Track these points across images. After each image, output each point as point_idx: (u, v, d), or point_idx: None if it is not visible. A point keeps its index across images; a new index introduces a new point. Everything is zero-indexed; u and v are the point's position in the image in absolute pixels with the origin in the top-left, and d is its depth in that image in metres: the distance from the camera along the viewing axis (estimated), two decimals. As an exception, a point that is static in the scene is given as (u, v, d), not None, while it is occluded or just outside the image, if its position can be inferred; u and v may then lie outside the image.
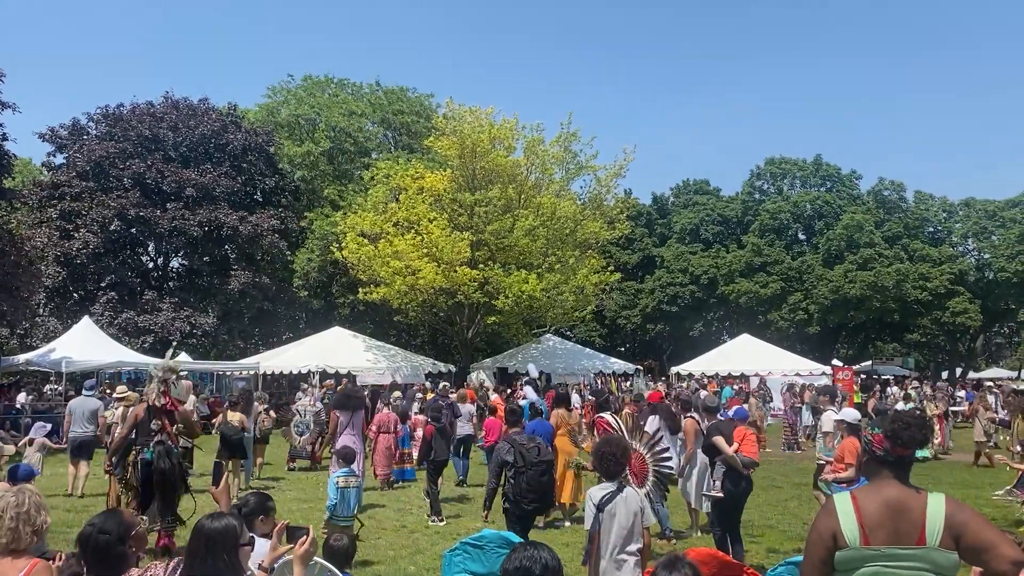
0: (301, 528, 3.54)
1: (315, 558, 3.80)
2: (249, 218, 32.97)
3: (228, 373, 28.74)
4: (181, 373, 9.38)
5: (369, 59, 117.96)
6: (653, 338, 52.38)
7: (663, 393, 16.79)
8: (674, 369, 31.69)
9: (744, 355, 29.56)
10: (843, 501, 3.00)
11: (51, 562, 3.40)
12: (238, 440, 12.43)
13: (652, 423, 10.16)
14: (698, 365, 30.51)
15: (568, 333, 41.40)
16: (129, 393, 12.38)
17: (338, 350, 27.23)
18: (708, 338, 47.62)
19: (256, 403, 14.84)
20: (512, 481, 7.25)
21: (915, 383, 28.53)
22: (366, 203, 30.17)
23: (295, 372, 26.30)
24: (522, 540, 3.48)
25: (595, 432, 9.79)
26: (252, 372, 26.62)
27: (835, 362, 31.11)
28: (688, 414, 10.43)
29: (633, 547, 4.96)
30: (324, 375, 24.77)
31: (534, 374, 24.07)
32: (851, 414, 9.20)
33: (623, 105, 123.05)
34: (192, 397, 14.93)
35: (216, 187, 33.01)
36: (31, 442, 13.17)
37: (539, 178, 30.21)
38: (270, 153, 37.03)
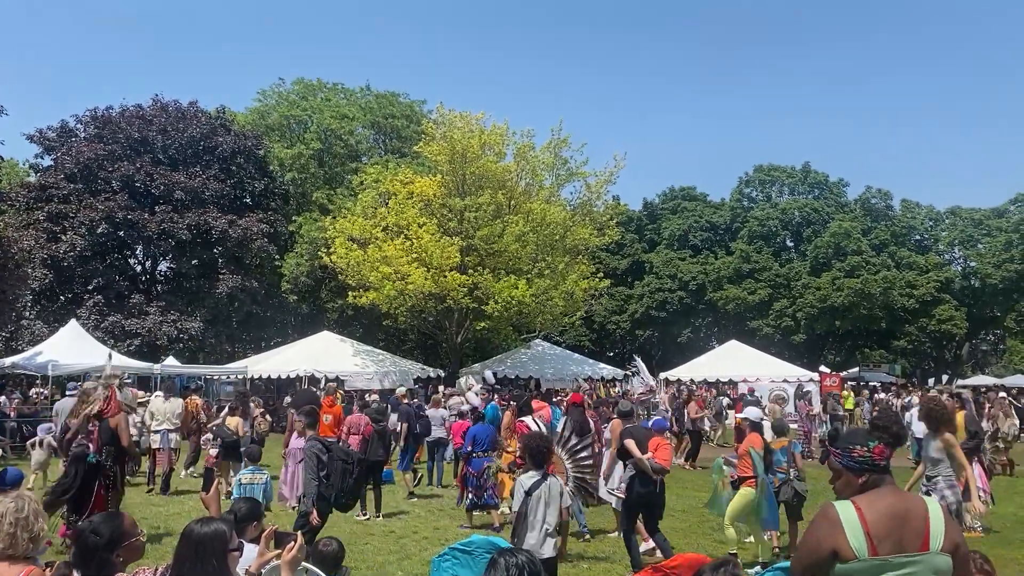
0: (289, 534, 3.54)
1: (303, 563, 3.80)
2: (238, 222, 32.88)
3: (216, 377, 28.65)
4: (126, 380, 9.48)
5: (361, 65, 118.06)
6: (642, 343, 52.54)
7: (582, 396, 16.90)
8: (663, 375, 31.74)
9: (732, 361, 29.63)
10: (847, 511, 2.89)
11: (45, 571, 3.38)
12: (234, 443, 12.65)
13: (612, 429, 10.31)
14: (687, 371, 30.55)
15: (557, 338, 41.42)
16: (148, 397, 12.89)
17: (327, 354, 27.14)
18: (696, 344, 47.82)
19: (252, 405, 14.99)
20: (328, 481, 7.37)
21: (930, 389, 28.45)
22: (355, 208, 30.12)
23: (283, 376, 26.22)
24: (508, 546, 3.49)
25: (516, 436, 10.14)
26: (240, 376, 26.53)
27: (823, 368, 31.18)
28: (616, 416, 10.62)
29: (554, 525, 6.01)
30: (313, 379, 24.70)
31: (491, 380, 24.31)
32: (754, 412, 9.45)
33: (614, 112, 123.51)
34: (178, 400, 15.06)
35: (205, 190, 32.90)
36: (41, 443, 13.39)
37: (529, 184, 30.23)
38: (260, 156, 36.95)
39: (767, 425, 10.78)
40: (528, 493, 5.97)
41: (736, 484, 8.77)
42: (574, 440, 8.51)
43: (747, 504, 8.64)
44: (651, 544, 9.20)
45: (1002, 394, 25.61)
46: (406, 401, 17.18)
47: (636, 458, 8.43)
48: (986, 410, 20.66)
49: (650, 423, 10.47)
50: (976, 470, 9.16)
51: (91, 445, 8.56)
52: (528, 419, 10.03)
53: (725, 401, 24.70)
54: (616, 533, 10.25)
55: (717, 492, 9.15)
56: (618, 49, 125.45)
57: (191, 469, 15.25)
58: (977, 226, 49.19)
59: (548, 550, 5.86)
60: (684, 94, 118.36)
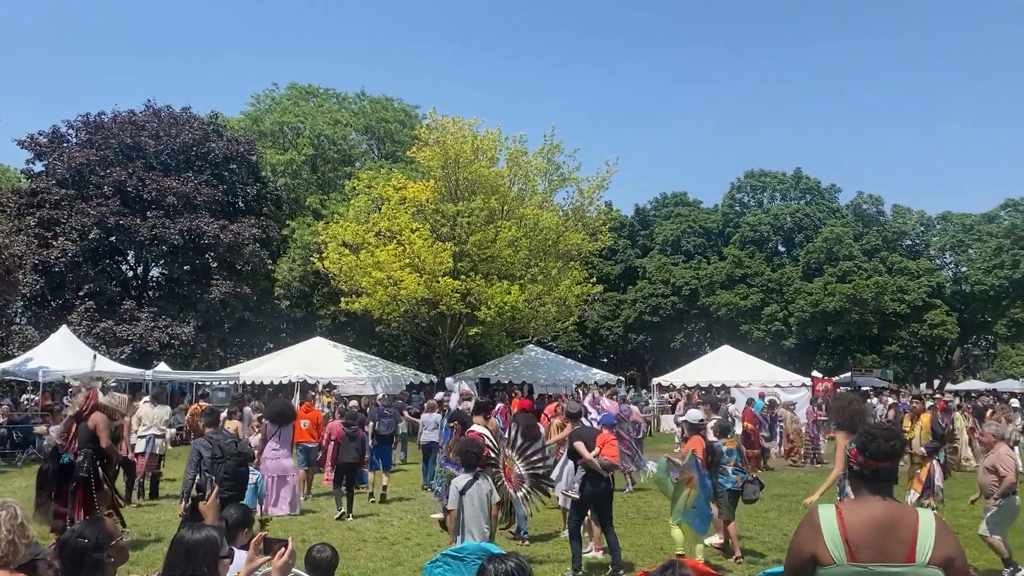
0: (280, 540, 3.50)
1: (294, 570, 3.78)
2: (230, 227, 32.80)
3: (207, 383, 28.57)
4: (110, 384, 9.52)
5: (355, 71, 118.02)
6: (635, 348, 52.56)
7: (531, 402, 17.12)
8: (656, 380, 31.75)
9: (725, 366, 29.64)
10: (828, 516, 2.89)
11: None
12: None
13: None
14: (680, 376, 30.57)
15: (550, 344, 41.40)
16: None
17: (319, 360, 27.10)
18: (689, 349, 47.87)
19: (249, 409, 15.08)
20: (207, 472, 7.82)
21: (950, 397, 28.39)
22: (348, 213, 30.09)
23: (276, 382, 26.15)
24: (499, 552, 3.48)
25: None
26: (232, 382, 26.43)
27: (815, 373, 31.25)
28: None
29: (485, 519, 6.65)
30: (306, 384, 24.72)
31: (452, 386, 24.71)
32: (694, 415, 9.62)
33: (606, 117, 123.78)
34: (165, 408, 15.17)
35: (197, 196, 32.82)
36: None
37: (522, 189, 30.22)
38: (252, 162, 36.89)
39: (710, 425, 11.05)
40: (462, 493, 6.64)
41: (679, 486, 8.93)
42: (521, 441, 8.81)
43: (687, 504, 8.74)
44: (591, 549, 9.40)
45: (1014, 401, 25.62)
46: (377, 402, 17.49)
47: (585, 458, 8.68)
48: (988, 415, 20.81)
49: (599, 420, 10.70)
50: (937, 471, 9.30)
51: (66, 446, 8.56)
52: (476, 427, 10.30)
53: (731, 407, 24.65)
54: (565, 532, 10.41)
55: (674, 497, 9.18)
56: (610, 55, 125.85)
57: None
58: (968, 231, 49.40)
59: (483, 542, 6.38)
60: (675, 100, 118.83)
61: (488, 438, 9.01)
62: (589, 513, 9.43)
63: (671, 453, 9.79)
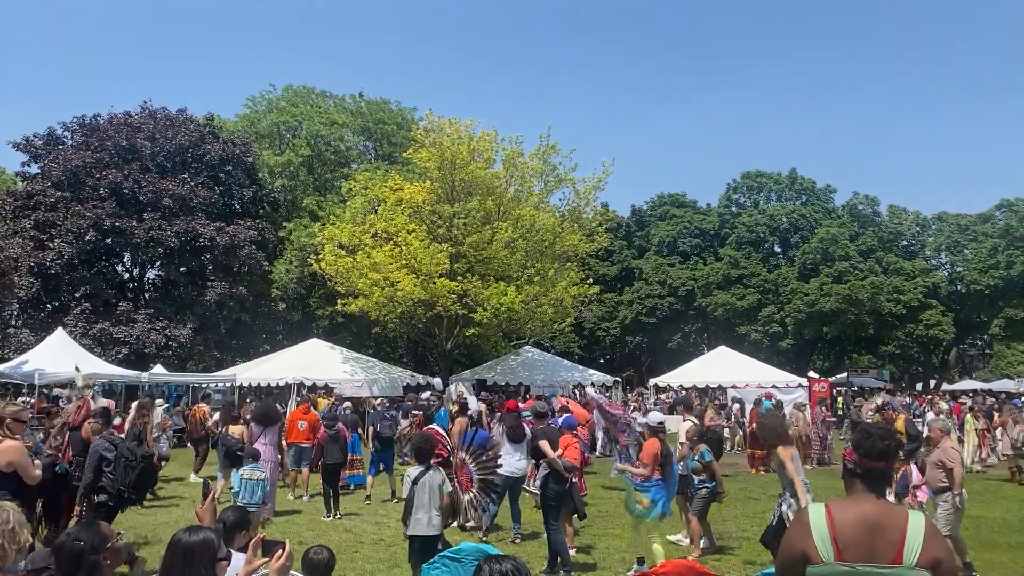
0: (278, 542, 3.50)
1: (292, 571, 3.78)
2: (226, 229, 32.77)
3: (204, 385, 28.50)
4: (96, 390, 9.61)
5: (351, 73, 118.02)
6: (632, 350, 52.58)
7: (517, 404, 17.26)
8: (652, 381, 31.76)
9: (721, 367, 29.68)
10: (817, 515, 2.94)
11: None
12: (237, 450, 12.83)
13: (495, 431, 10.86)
14: (676, 377, 30.59)
15: (547, 345, 41.40)
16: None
17: (316, 362, 27.04)
18: (686, 350, 47.87)
19: (242, 411, 15.12)
20: (112, 476, 7.90)
21: (958, 398, 28.37)
22: (344, 214, 30.07)
23: (272, 384, 26.10)
24: (497, 553, 3.49)
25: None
26: (228, 384, 26.38)
27: (811, 374, 31.29)
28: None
29: (437, 508, 7.10)
30: (314, 387, 24.76)
31: (439, 387, 25.01)
32: (653, 417, 9.78)
33: (602, 119, 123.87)
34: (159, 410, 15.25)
35: (193, 197, 32.78)
36: None
37: (518, 190, 30.21)
38: (248, 163, 36.85)
39: (684, 428, 11.14)
40: (414, 483, 7.15)
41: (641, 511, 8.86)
42: (476, 445, 9.08)
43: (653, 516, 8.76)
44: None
45: None
46: (377, 407, 17.55)
47: (549, 458, 8.83)
48: (994, 417, 20.88)
49: (559, 421, 10.83)
50: (914, 471, 9.38)
51: (60, 455, 8.57)
52: (435, 426, 10.66)
53: (736, 407, 24.70)
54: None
55: (631, 497, 9.21)
56: (606, 56, 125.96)
57: (199, 473, 15.60)
58: (963, 232, 49.44)
59: (433, 529, 7.03)
60: (671, 101, 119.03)
61: (444, 437, 9.20)
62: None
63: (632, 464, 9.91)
